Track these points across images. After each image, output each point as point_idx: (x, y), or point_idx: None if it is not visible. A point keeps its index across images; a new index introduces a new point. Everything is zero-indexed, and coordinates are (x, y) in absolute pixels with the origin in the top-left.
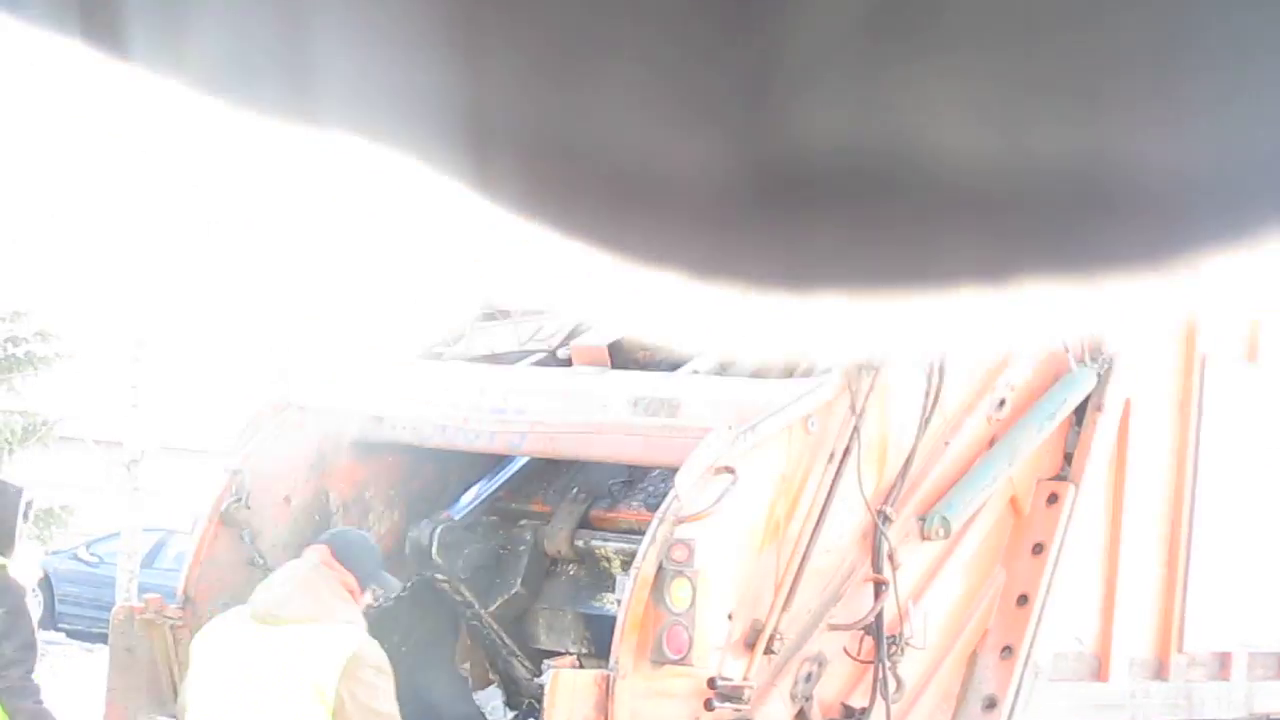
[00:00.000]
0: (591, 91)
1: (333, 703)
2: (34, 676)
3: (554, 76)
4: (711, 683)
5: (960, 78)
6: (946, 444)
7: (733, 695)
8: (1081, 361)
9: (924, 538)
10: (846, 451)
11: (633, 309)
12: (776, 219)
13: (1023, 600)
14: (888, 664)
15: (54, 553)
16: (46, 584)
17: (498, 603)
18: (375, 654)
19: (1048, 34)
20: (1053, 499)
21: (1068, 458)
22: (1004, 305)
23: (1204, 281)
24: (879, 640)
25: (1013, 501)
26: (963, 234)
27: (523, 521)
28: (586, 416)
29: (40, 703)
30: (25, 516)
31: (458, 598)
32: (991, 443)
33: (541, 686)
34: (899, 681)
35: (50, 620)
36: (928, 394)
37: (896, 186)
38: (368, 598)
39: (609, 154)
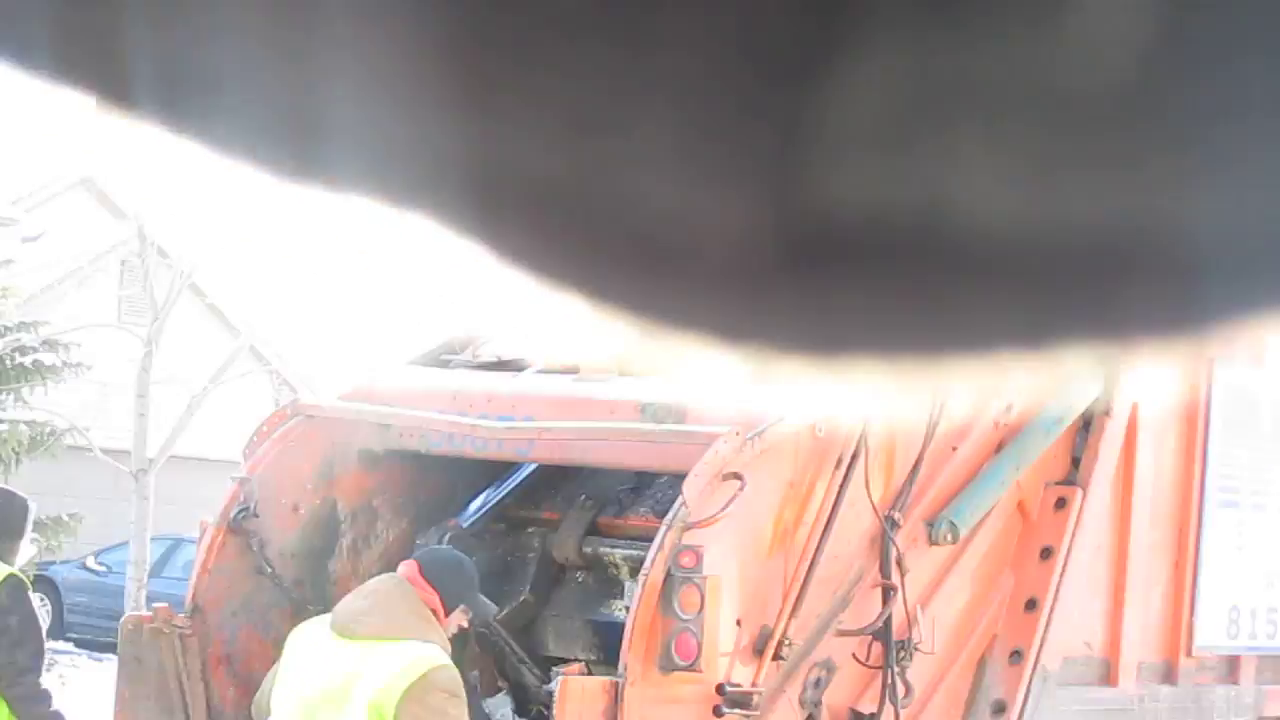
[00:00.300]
0: (616, 148)
1: None
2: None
3: (577, 132)
4: (720, 689)
5: (995, 146)
6: (954, 449)
7: (742, 701)
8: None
9: (932, 543)
10: (854, 457)
11: (657, 371)
12: (805, 283)
13: (1031, 605)
14: (896, 669)
15: (62, 562)
16: (55, 593)
17: (506, 610)
18: (447, 678)
19: (1085, 104)
20: (1060, 503)
21: (1075, 462)
22: (1035, 370)
23: (1234, 345)
24: (887, 645)
25: (1020, 506)
26: (995, 300)
27: (530, 529)
28: (594, 423)
29: (54, 710)
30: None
31: None
32: (999, 448)
33: (550, 694)
34: (908, 687)
35: (58, 630)
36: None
37: (928, 252)
38: (456, 619)
39: (633, 213)
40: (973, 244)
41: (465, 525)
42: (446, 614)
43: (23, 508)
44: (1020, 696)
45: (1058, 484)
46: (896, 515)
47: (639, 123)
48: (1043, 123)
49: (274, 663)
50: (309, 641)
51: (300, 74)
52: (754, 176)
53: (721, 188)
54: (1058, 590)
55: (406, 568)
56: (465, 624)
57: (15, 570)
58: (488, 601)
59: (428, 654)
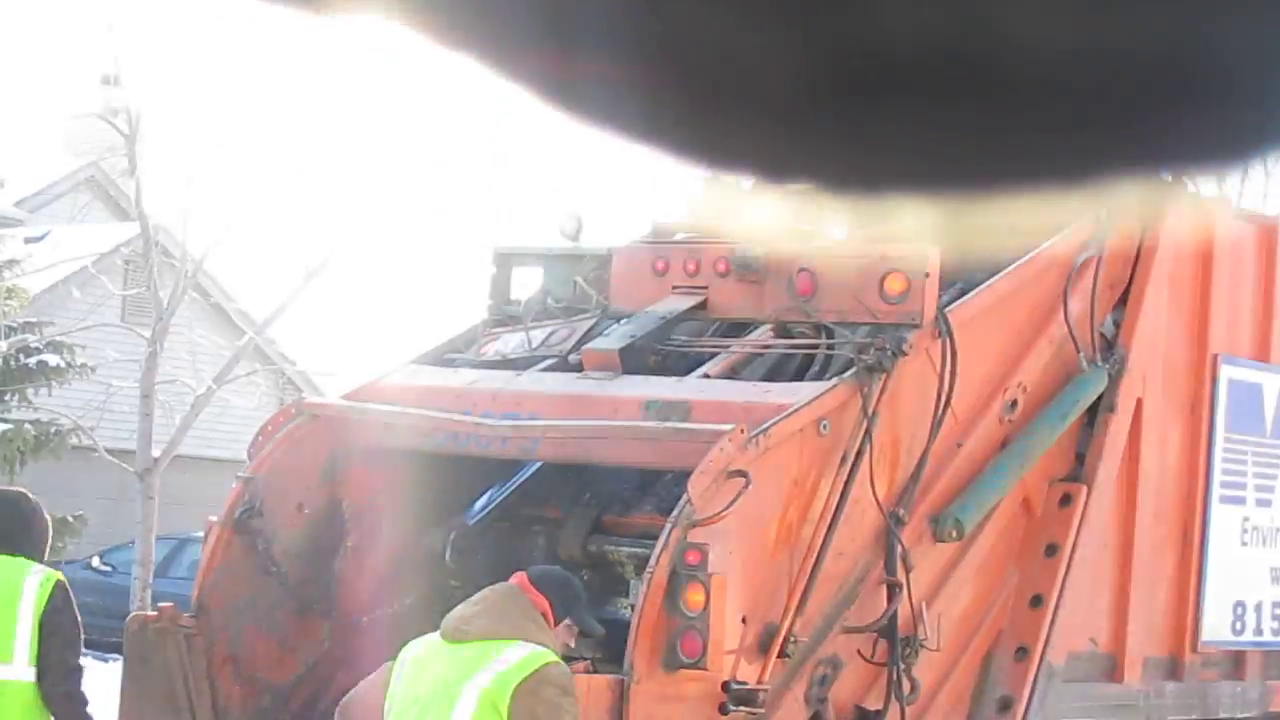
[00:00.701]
0: None
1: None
2: None
3: None
4: (726, 686)
5: None
6: (959, 445)
7: (747, 698)
8: (1093, 362)
9: (937, 540)
10: (859, 454)
11: (708, 210)
12: (854, 117)
13: (1037, 601)
14: (902, 666)
15: (67, 563)
16: None
17: None
18: (560, 674)
19: None
20: (1065, 500)
21: (1080, 458)
22: (1081, 200)
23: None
24: (893, 642)
25: (1025, 502)
26: (1044, 131)
27: (536, 527)
28: (598, 421)
29: (90, 713)
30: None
31: None
32: (1004, 444)
33: None
34: (913, 683)
35: None
36: (940, 396)
37: (976, 83)
38: (563, 635)
39: (687, 54)
40: (1020, 74)
41: (470, 524)
42: (555, 622)
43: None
44: (1026, 693)
45: (1062, 480)
46: (901, 512)
47: None
48: None
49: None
50: (420, 649)
51: None
52: (802, 13)
53: (771, 26)
54: (1063, 586)
55: (515, 577)
56: (571, 642)
57: (58, 575)
58: (594, 622)
59: (540, 653)
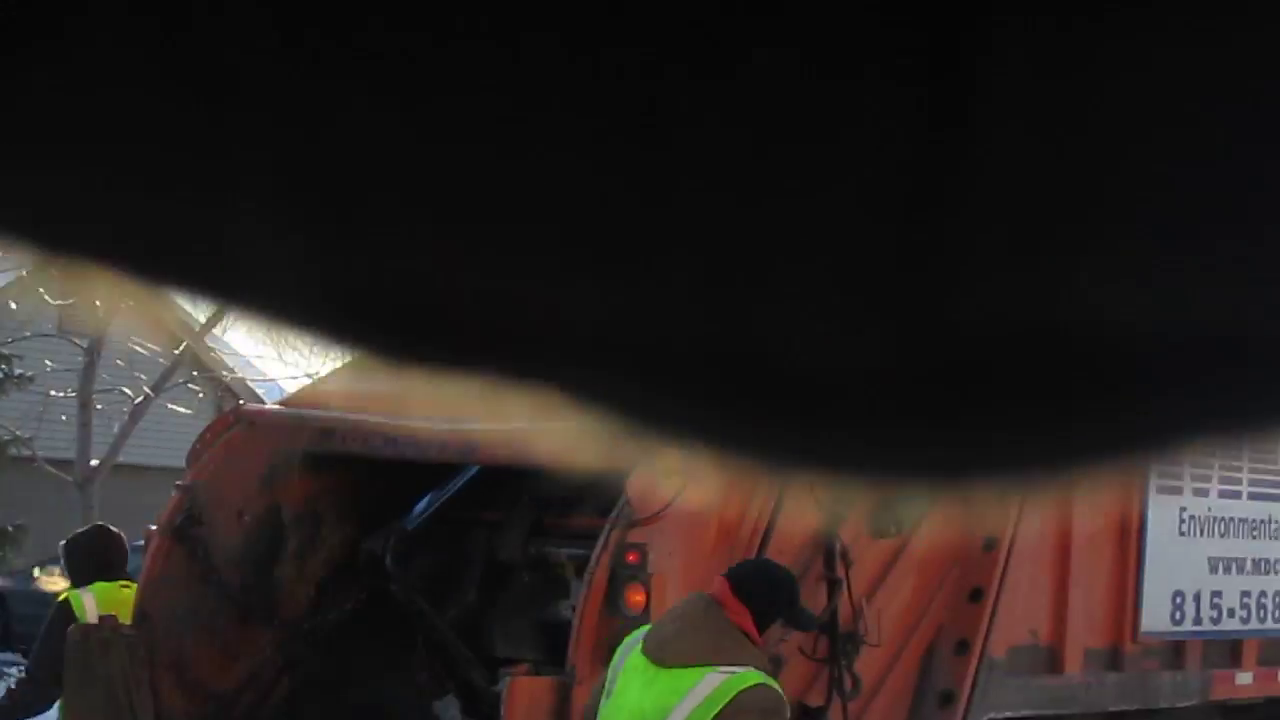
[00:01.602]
0: (764, 297)
1: None
2: None
3: (720, 286)
4: None
5: (1123, 255)
6: None
7: None
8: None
9: (876, 536)
10: None
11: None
12: (949, 413)
13: (976, 595)
14: (843, 662)
15: (8, 574)
16: (1, 605)
17: (453, 612)
18: (758, 698)
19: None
20: None
21: None
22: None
23: None
24: (834, 639)
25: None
26: (1132, 407)
27: (475, 530)
28: (535, 424)
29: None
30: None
31: (413, 608)
32: None
33: (498, 694)
34: (855, 680)
35: (6, 642)
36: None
37: (1064, 365)
38: (778, 633)
39: (782, 360)
40: (1103, 352)
41: (410, 528)
42: (761, 631)
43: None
44: (967, 686)
45: None
46: (840, 509)
47: (783, 268)
48: (1156, 224)
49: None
50: (630, 664)
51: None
52: (886, 312)
53: (858, 326)
54: (1002, 580)
55: (717, 585)
56: (786, 638)
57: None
58: (807, 611)
59: (736, 678)
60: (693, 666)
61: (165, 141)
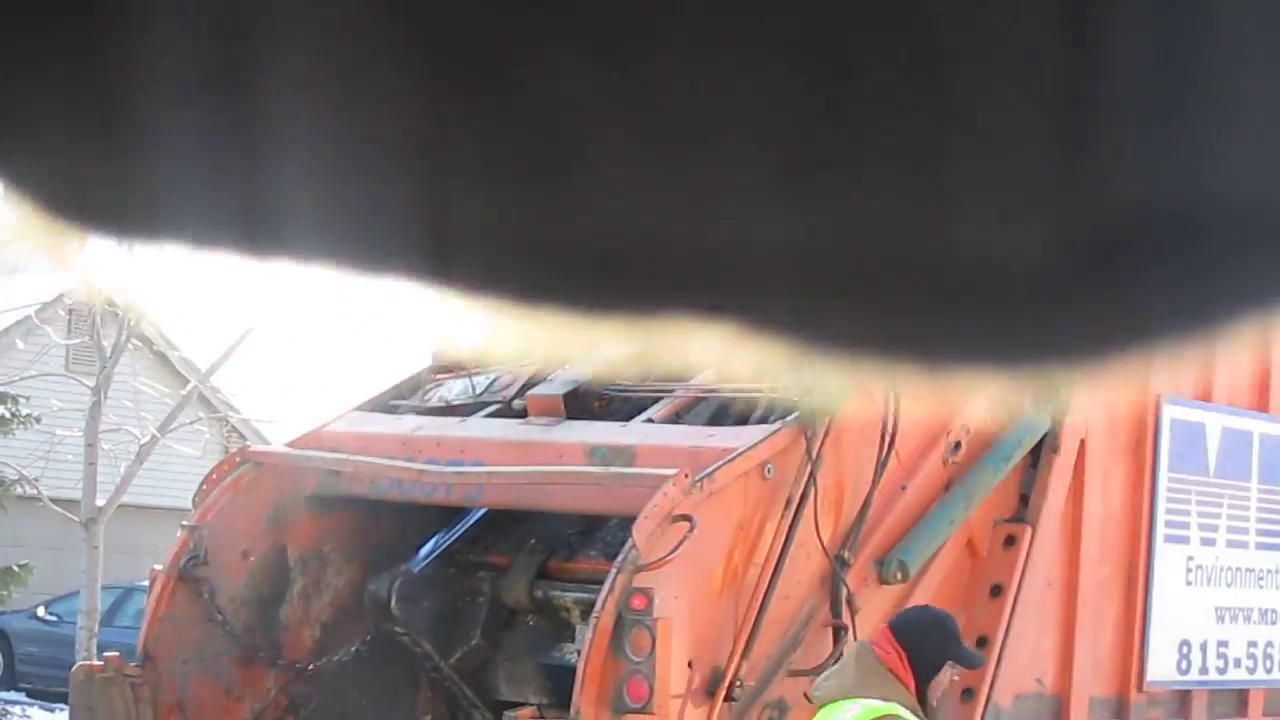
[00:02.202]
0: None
1: None
2: None
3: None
4: None
5: (1236, 119)
6: (903, 488)
7: None
8: (1035, 404)
9: (882, 582)
10: (803, 497)
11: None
12: (1107, 291)
13: (982, 642)
14: None
15: (13, 612)
16: (6, 643)
17: (457, 654)
18: None
19: None
20: (1010, 540)
21: (1024, 499)
22: None
23: None
24: None
25: (970, 544)
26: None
27: (481, 573)
28: (543, 467)
29: None
30: None
31: (417, 650)
32: (948, 486)
33: None
34: None
35: (10, 680)
36: (883, 438)
37: (1203, 232)
38: (944, 676)
39: (935, 257)
40: (1236, 216)
41: (415, 570)
42: (924, 673)
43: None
44: None
45: (1007, 521)
46: (846, 554)
47: (946, 170)
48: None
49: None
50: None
51: (258, 162)
52: (1041, 197)
53: (1015, 217)
54: (1008, 627)
55: (878, 631)
56: (956, 676)
57: None
58: (972, 651)
59: (875, 706)
60: (841, 699)
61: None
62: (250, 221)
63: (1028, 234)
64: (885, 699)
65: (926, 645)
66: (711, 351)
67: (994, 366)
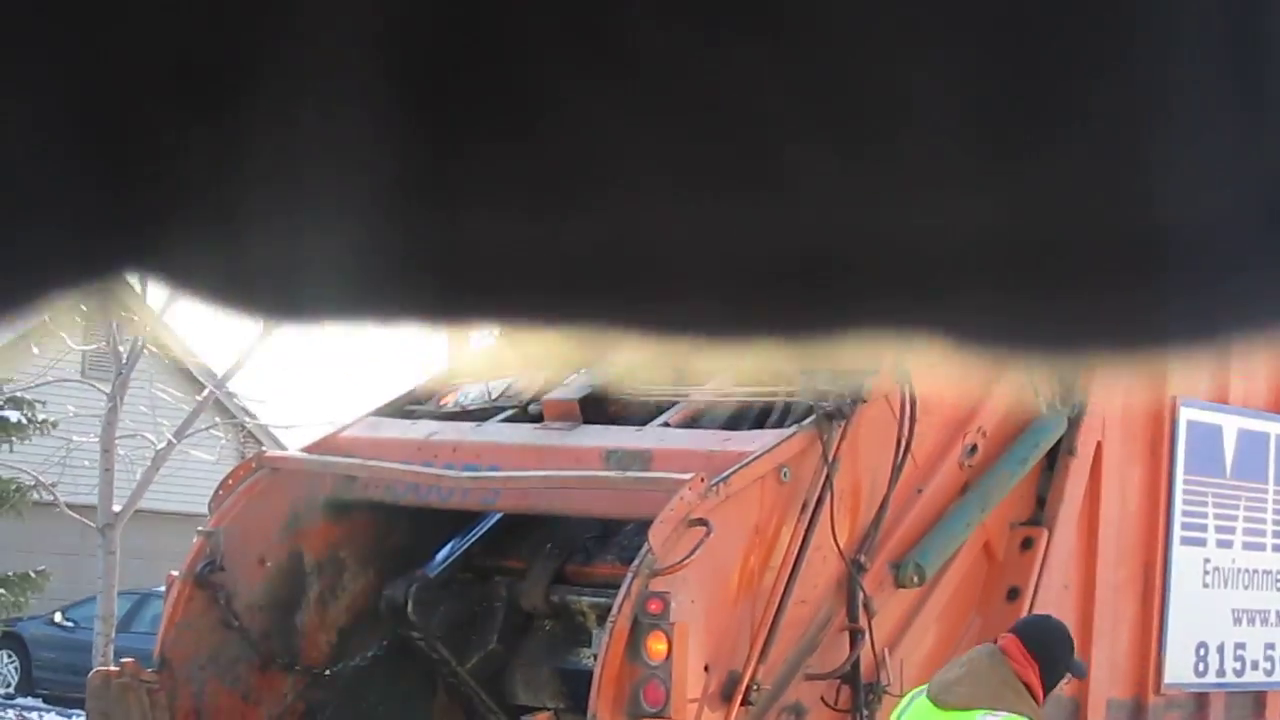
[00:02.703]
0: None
1: None
2: None
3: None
4: None
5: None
6: (919, 491)
7: None
8: (1052, 406)
9: (899, 585)
10: (819, 501)
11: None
12: None
13: None
14: (865, 713)
15: (29, 618)
16: (23, 650)
17: (474, 660)
18: None
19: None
20: (1026, 544)
21: (1040, 502)
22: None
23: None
24: (856, 689)
25: (986, 547)
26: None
27: (498, 578)
28: (559, 471)
29: None
30: None
31: (434, 656)
32: (964, 489)
33: None
34: None
35: (27, 686)
36: (899, 442)
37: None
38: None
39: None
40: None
41: (432, 575)
42: (1049, 684)
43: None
44: None
45: (1023, 524)
46: (863, 558)
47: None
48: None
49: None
50: (915, 709)
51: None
52: (1229, 163)
53: (1206, 183)
54: None
55: (1005, 639)
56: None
57: None
58: (1081, 661)
59: (1009, 718)
60: (972, 709)
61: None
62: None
63: (1218, 200)
64: (1019, 713)
65: (1057, 659)
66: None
67: (1194, 340)
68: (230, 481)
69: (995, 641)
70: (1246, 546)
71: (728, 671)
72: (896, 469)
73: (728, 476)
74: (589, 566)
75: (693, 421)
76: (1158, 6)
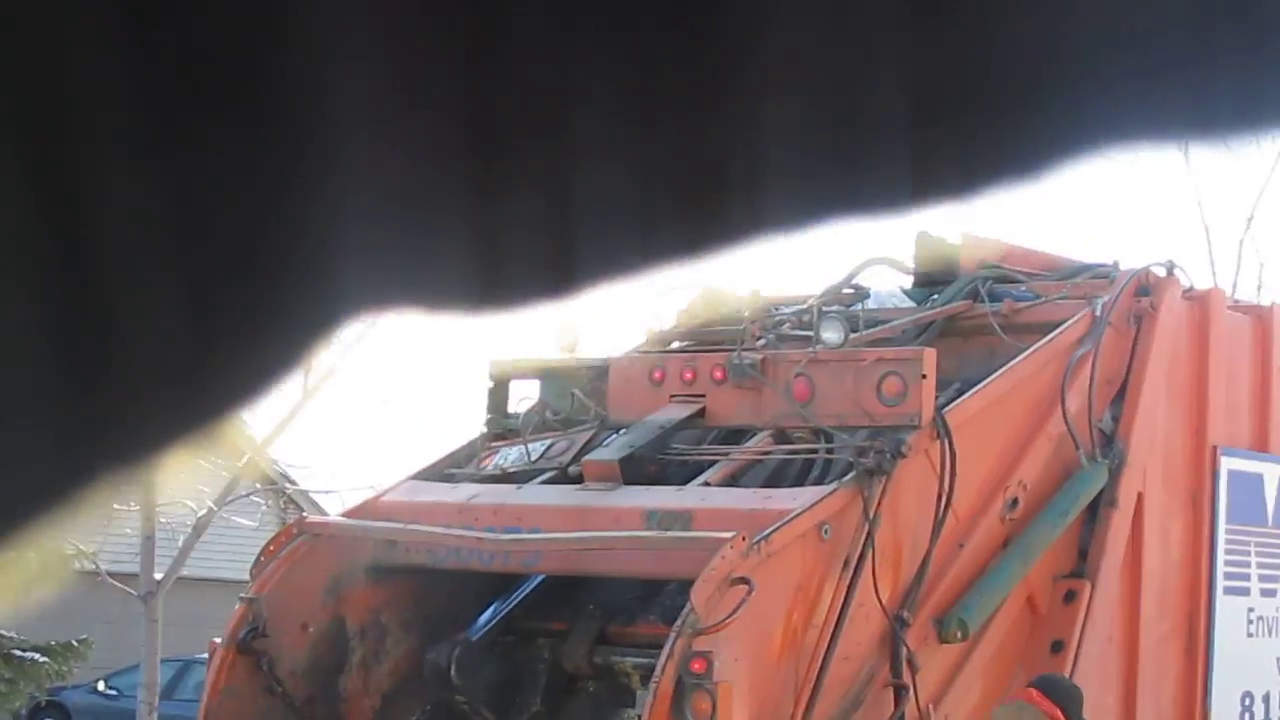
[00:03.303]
0: None
1: None
2: None
3: None
4: None
5: None
6: (961, 546)
7: None
8: (1092, 458)
9: (942, 641)
10: (861, 557)
11: None
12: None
13: None
14: None
15: (73, 687)
16: (66, 718)
17: None
18: None
19: None
20: (1070, 596)
21: (1082, 554)
22: None
23: None
24: None
25: (1029, 600)
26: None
27: (540, 640)
28: (600, 533)
29: None
30: None
31: (478, 718)
32: (1006, 543)
33: None
34: None
35: None
36: (940, 497)
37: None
38: None
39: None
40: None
41: (474, 638)
42: None
43: None
44: None
45: (1066, 577)
46: (905, 614)
47: None
48: None
49: None
50: None
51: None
52: None
53: None
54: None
55: (1025, 692)
56: None
57: None
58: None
59: None
60: None
61: None
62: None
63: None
64: None
65: (1073, 705)
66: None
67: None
68: (271, 548)
69: (1012, 699)
70: None
71: None
72: (938, 524)
73: (769, 535)
74: (631, 627)
75: (733, 480)
76: None
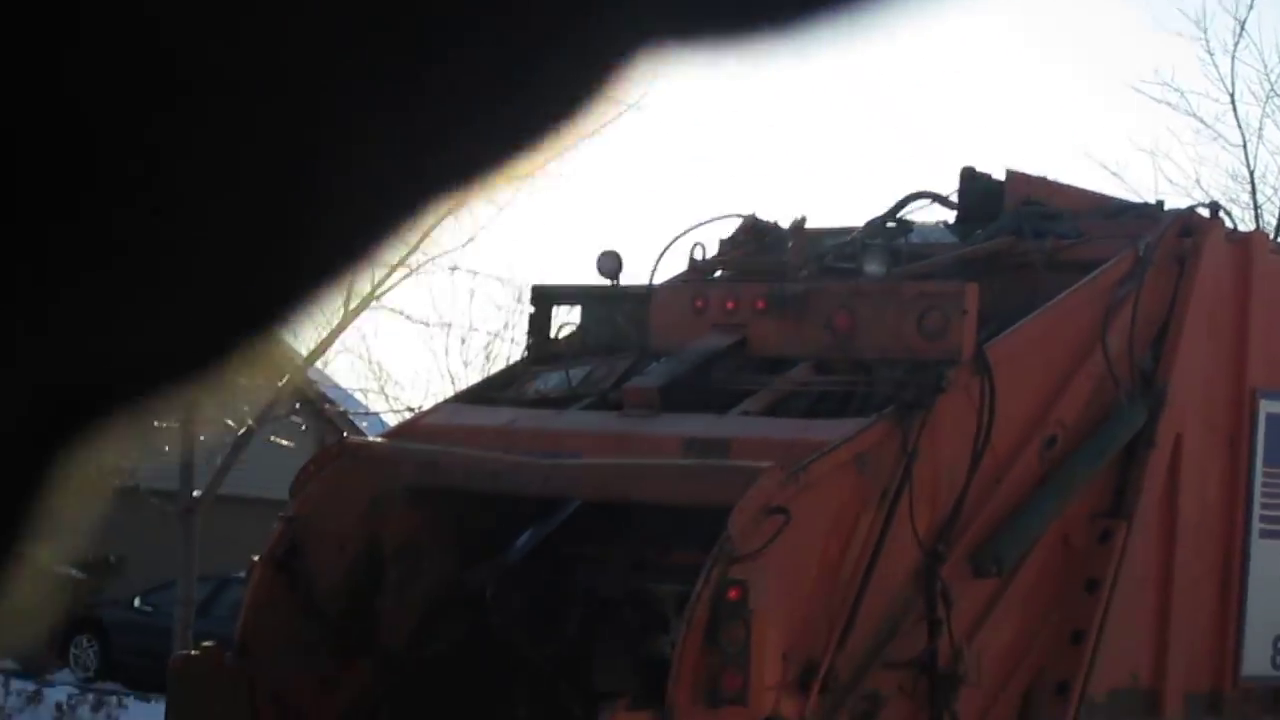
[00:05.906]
0: None
1: None
2: None
3: None
4: None
5: None
6: (998, 482)
7: None
8: (1132, 398)
9: (977, 576)
10: (899, 491)
11: None
12: None
13: (1077, 637)
14: (943, 702)
15: (109, 603)
16: (103, 634)
17: (553, 646)
18: None
19: None
20: (1105, 535)
21: (1119, 493)
22: None
23: None
24: (933, 679)
25: (1065, 538)
26: None
27: (577, 565)
28: (638, 459)
29: None
30: None
31: (513, 641)
32: (1043, 480)
33: None
34: (954, 719)
35: (106, 670)
36: (979, 432)
37: None
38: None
39: None
40: None
41: (511, 562)
42: None
43: None
44: None
45: (1102, 516)
46: (941, 548)
47: None
48: None
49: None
50: None
51: None
52: None
53: None
54: (1103, 622)
55: None
56: None
57: None
58: None
59: None
60: None
61: None
62: None
63: None
64: None
65: None
66: None
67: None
68: (311, 468)
69: None
70: None
71: (806, 659)
72: (976, 459)
73: (806, 465)
74: (669, 554)
75: (772, 410)
76: None
